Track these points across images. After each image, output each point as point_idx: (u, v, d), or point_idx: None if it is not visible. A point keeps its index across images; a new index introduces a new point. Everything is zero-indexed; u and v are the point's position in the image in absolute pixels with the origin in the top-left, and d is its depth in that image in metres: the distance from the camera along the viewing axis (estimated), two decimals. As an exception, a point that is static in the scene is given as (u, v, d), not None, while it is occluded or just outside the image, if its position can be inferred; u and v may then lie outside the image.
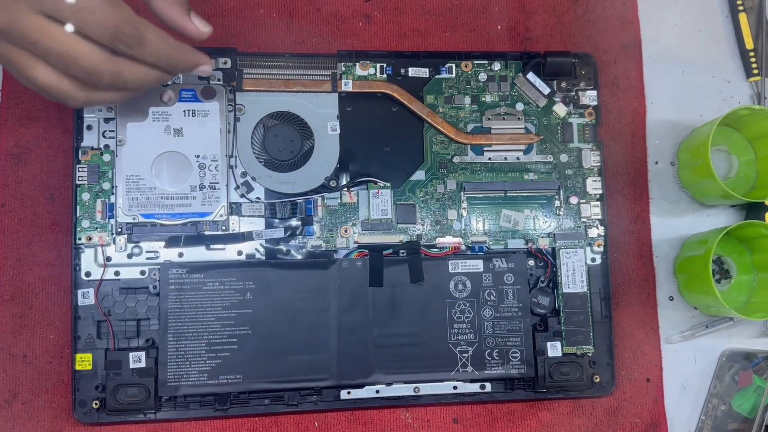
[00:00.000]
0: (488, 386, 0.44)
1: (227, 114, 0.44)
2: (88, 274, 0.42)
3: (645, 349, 0.47)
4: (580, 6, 0.50)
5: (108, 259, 0.42)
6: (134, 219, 0.42)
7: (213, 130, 0.43)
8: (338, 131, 0.45)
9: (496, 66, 0.47)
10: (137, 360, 0.41)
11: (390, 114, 0.46)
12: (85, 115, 0.43)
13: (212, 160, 0.43)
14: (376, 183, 0.45)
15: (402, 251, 0.44)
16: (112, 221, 0.42)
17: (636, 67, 0.50)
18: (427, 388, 0.44)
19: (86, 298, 0.42)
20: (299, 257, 0.44)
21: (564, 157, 0.47)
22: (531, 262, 0.46)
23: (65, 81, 0.32)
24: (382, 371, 0.43)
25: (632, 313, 0.47)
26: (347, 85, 0.45)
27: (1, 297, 0.43)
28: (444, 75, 0.46)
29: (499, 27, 0.49)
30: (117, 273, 0.42)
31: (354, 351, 0.43)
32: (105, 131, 0.43)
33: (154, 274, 0.42)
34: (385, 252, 0.44)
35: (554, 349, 0.45)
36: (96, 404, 0.41)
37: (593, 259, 0.46)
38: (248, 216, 0.44)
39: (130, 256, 0.43)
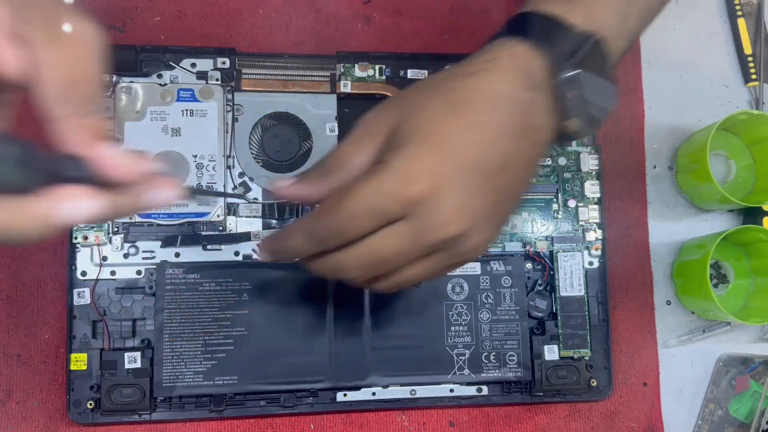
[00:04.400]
0: (485, 389, 0.44)
1: (225, 114, 0.44)
2: (84, 273, 0.42)
3: (642, 353, 0.47)
4: (579, 10, 0.50)
5: (104, 258, 0.42)
6: (131, 219, 0.42)
7: (211, 130, 0.43)
8: (336, 132, 0.45)
9: (495, 68, 0.47)
10: (132, 360, 0.41)
11: (388, 116, 0.46)
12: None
13: (210, 160, 0.43)
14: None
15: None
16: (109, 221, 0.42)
17: (634, 72, 0.50)
18: (423, 391, 0.43)
19: (82, 297, 0.42)
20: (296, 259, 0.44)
21: (562, 161, 0.47)
22: (528, 265, 0.45)
23: None
24: (378, 374, 0.43)
25: (629, 317, 0.47)
26: (346, 87, 0.45)
27: (-4, 296, 0.43)
28: (443, 77, 0.46)
29: (498, 30, 0.49)
30: (113, 273, 0.42)
31: (350, 353, 0.42)
32: (102, 130, 0.43)
33: (151, 274, 0.42)
34: (382, 254, 0.44)
35: (551, 353, 0.44)
36: (91, 404, 0.41)
37: (591, 263, 0.46)
38: (245, 217, 0.44)
39: (126, 255, 0.42)
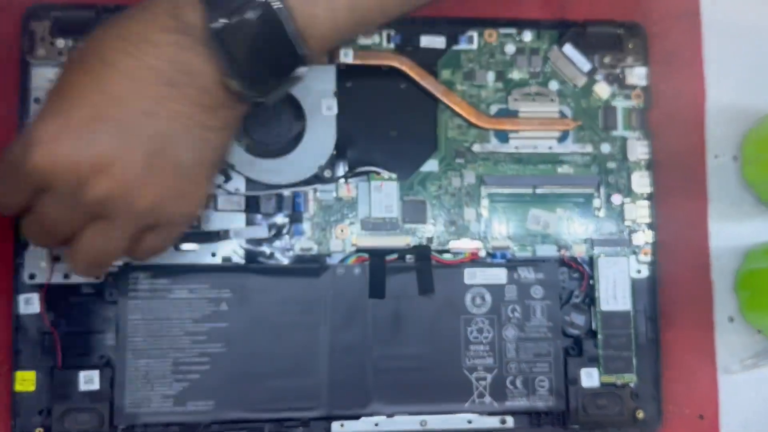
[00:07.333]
0: (509, 421, 0.40)
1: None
2: (32, 276, 0.38)
3: (698, 380, 0.43)
4: (626, -32, 0.46)
5: (57, 258, 0.39)
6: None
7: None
8: (335, 111, 0.41)
9: (527, 36, 0.43)
10: (89, 381, 0.38)
11: (398, 92, 0.42)
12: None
13: (183, 143, 0.39)
14: (379, 174, 0.41)
15: (409, 257, 0.41)
16: (62, 214, 0.38)
17: (694, 40, 0.45)
18: (436, 422, 0.40)
19: (30, 305, 0.39)
20: (285, 262, 0.41)
21: (606, 148, 0.43)
22: (564, 273, 0.42)
23: None
24: (382, 400, 0.40)
25: (684, 337, 0.43)
26: (347, 56, 0.41)
27: (-70, 302, 0.39)
28: (463, 46, 0.43)
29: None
30: (67, 276, 0.39)
31: (349, 376, 0.40)
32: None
33: (111, 279, 0.39)
34: (388, 257, 0.41)
35: (589, 378, 0.41)
36: (39, 432, 0.38)
37: (639, 271, 0.42)
38: (225, 210, 0.40)
39: (82, 256, 0.39)
